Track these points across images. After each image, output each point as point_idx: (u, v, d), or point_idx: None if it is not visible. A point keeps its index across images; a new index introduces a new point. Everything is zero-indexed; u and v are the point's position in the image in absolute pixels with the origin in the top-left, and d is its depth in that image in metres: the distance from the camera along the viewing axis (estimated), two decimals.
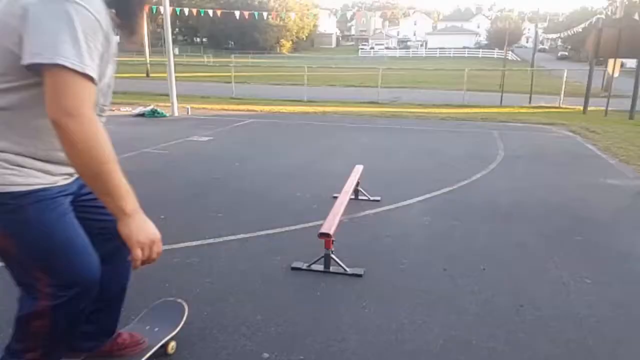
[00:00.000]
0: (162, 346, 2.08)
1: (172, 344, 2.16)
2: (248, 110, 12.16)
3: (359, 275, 2.99)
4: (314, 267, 3.06)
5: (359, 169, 4.61)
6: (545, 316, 2.58)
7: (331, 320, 2.51)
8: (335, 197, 4.00)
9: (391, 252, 3.39)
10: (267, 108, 12.67)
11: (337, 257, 3.07)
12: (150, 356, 1.99)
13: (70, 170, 1.47)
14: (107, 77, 1.45)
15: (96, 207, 1.56)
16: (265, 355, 2.20)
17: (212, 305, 2.63)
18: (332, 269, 3.04)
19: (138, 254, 1.38)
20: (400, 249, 3.46)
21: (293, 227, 3.85)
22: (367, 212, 4.28)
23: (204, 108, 12.41)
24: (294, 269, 3.08)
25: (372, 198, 4.58)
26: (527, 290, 2.86)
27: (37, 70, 1.22)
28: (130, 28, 1.52)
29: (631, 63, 19.13)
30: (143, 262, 1.41)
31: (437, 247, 3.51)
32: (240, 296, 2.74)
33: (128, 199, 1.36)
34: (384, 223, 4.02)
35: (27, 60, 1.20)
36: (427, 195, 4.80)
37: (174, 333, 2.12)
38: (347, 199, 3.76)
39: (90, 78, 1.24)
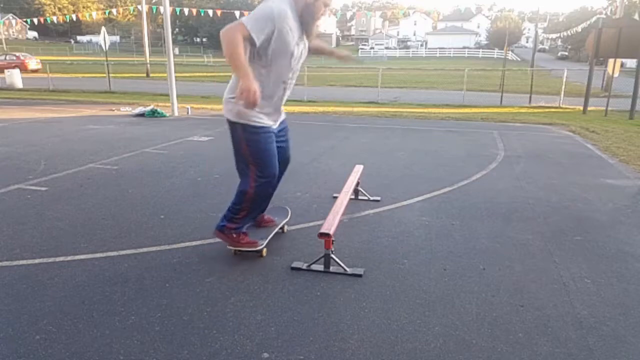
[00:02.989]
0: (281, 227, 3.59)
1: (286, 227, 3.70)
2: None
3: (359, 275, 2.99)
4: (314, 267, 3.06)
5: (359, 169, 4.61)
6: (545, 316, 2.58)
7: (331, 320, 2.51)
8: (335, 197, 4.01)
9: (391, 252, 3.39)
10: None
11: (337, 257, 3.07)
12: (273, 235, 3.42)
13: (275, 120, 3.01)
14: (295, 58, 2.85)
15: (281, 140, 3.13)
16: (265, 355, 2.21)
17: (212, 305, 2.63)
18: (332, 269, 3.04)
19: (243, 91, 2.57)
20: (400, 249, 3.46)
21: (293, 227, 3.85)
22: (367, 212, 4.28)
23: (204, 108, 12.41)
24: (294, 269, 3.08)
25: (372, 198, 4.58)
26: (527, 290, 2.86)
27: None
28: (307, 31, 2.87)
29: (631, 63, 19.14)
30: (246, 101, 2.61)
31: (437, 247, 3.51)
32: (240, 296, 2.74)
33: (245, 73, 2.58)
34: (384, 223, 4.02)
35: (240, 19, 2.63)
36: (427, 195, 4.80)
37: (286, 220, 3.66)
38: (347, 199, 3.76)
39: (248, 33, 2.59)
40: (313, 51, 3.19)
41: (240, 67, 2.56)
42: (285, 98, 3.03)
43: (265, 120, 2.91)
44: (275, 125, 3.02)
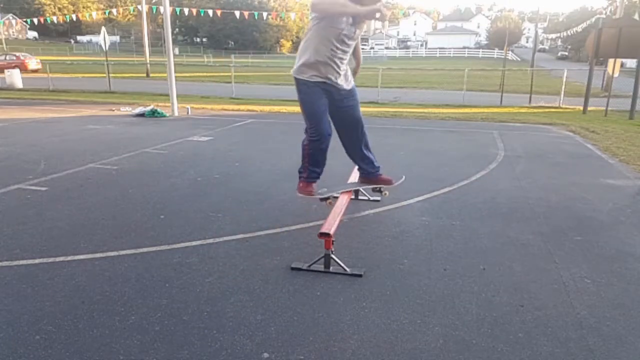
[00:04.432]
0: (380, 189, 4.06)
1: (386, 192, 4.08)
2: (248, 110, 12.16)
3: (359, 275, 2.99)
4: (314, 267, 3.06)
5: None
6: (545, 316, 2.58)
7: (331, 320, 2.51)
8: (336, 197, 4.00)
9: (391, 252, 3.39)
10: (267, 108, 12.67)
11: (337, 257, 3.07)
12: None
13: (329, 77, 3.43)
14: (346, 35, 3.32)
15: (348, 102, 3.63)
16: (265, 355, 2.21)
17: (212, 305, 2.63)
18: (332, 269, 3.04)
19: (376, 11, 2.97)
20: (400, 249, 3.46)
21: (293, 227, 3.85)
22: (367, 212, 4.28)
23: (204, 108, 12.41)
24: (294, 269, 3.08)
25: (372, 198, 4.58)
26: (527, 290, 2.86)
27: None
28: (354, 19, 3.31)
29: (631, 63, 19.14)
30: (382, 13, 2.95)
31: (437, 247, 3.51)
32: (240, 296, 2.74)
33: (354, 9, 3.05)
34: (384, 223, 4.02)
35: None
36: (427, 195, 4.80)
37: (400, 182, 4.08)
38: (347, 199, 3.76)
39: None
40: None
41: (349, 7, 3.05)
42: (333, 65, 3.40)
43: (309, 74, 3.41)
44: (323, 79, 3.44)
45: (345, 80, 3.54)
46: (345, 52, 3.41)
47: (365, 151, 3.88)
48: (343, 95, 3.55)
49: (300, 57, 3.42)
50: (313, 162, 3.69)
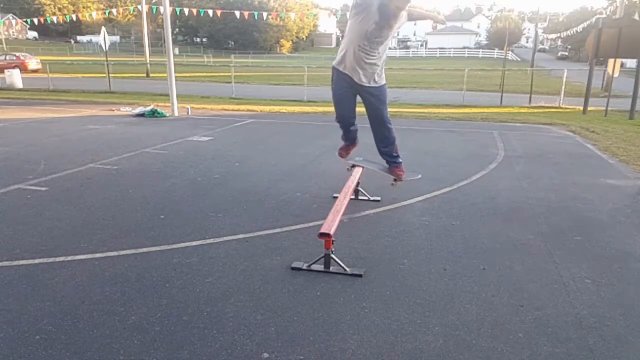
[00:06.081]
0: (394, 178, 4.41)
1: (393, 183, 4.42)
2: (248, 110, 12.16)
3: (359, 275, 2.99)
4: (314, 267, 3.06)
5: (359, 169, 4.61)
6: (545, 316, 2.58)
7: (331, 320, 2.51)
8: (335, 197, 4.01)
9: (391, 252, 3.39)
10: (267, 108, 12.67)
11: (337, 257, 3.07)
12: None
13: (348, 70, 3.86)
14: (369, 32, 3.66)
15: (367, 97, 4.02)
16: (265, 355, 2.21)
17: (212, 305, 2.63)
18: (332, 269, 3.04)
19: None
20: (400, 249, 3.46)
21: (293, 227, 3.85)
22: (367, 212, 4.28)
23: (204, 108, 12.41)
24: (294, 269, 3.08)
25: (372, 198, 4.58)
26: (527, 290, 2.86)
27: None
28: (379, 24, 3.65)
29: (631, 63, 19.13)
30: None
31: (437, 247, 3.51)
32: (240, 296, 2.74)
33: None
34: (384, 223, 4.02)
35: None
36: (427, 195, 4.80)
37: (413, 178, 4.65)
38: (347, 199, 3.76)
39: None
40: (416, 18, 4.20)
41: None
42: (358, 60, 3.78)
43: (340, 65, 3.91)
44: (348, 73, 3.89)
45: (367, 77, 3.90)
46: (372, 50, 3.77)
47: (383, 144, 4.34)
48: (365, 90, 3.97)
49: (340, 49, 3.97)
50: (344, 134, 4.42)
